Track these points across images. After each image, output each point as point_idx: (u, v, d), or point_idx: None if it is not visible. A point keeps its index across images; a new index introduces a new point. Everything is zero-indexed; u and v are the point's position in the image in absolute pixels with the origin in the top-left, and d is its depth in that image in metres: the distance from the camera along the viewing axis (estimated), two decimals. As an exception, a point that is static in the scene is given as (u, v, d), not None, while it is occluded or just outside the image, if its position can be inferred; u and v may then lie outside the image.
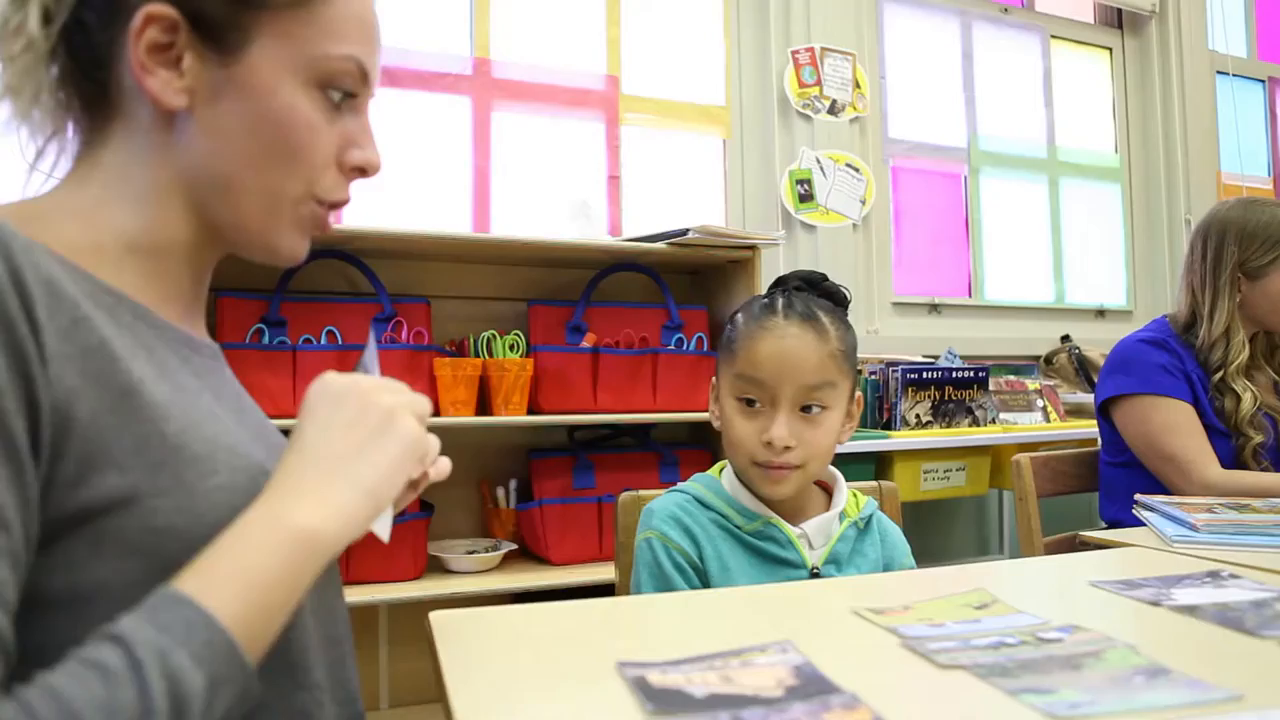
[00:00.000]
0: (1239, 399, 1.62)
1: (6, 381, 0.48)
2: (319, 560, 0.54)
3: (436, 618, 0.80)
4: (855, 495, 1.12)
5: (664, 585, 1.00)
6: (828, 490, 1.12)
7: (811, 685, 0.62)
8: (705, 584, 1.01)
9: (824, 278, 1.10)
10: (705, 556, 1.02)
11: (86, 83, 0.62)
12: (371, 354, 0.71)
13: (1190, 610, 0.82)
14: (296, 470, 0.57)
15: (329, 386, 0.61)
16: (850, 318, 1.08)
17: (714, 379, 1.09)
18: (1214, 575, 0.96)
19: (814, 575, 1.03)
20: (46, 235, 0.57)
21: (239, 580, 0.50)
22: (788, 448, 0.99)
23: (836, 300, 1.09)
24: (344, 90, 0.66)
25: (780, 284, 1.10)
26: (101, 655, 0.44)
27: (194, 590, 0.48)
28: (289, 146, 0.63)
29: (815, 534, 1.05)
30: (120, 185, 0.63)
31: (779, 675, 0.64)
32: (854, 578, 1.04)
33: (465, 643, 0.76)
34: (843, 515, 1.08)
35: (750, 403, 1.01)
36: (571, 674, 0.67)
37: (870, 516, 1.11)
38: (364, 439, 0.59)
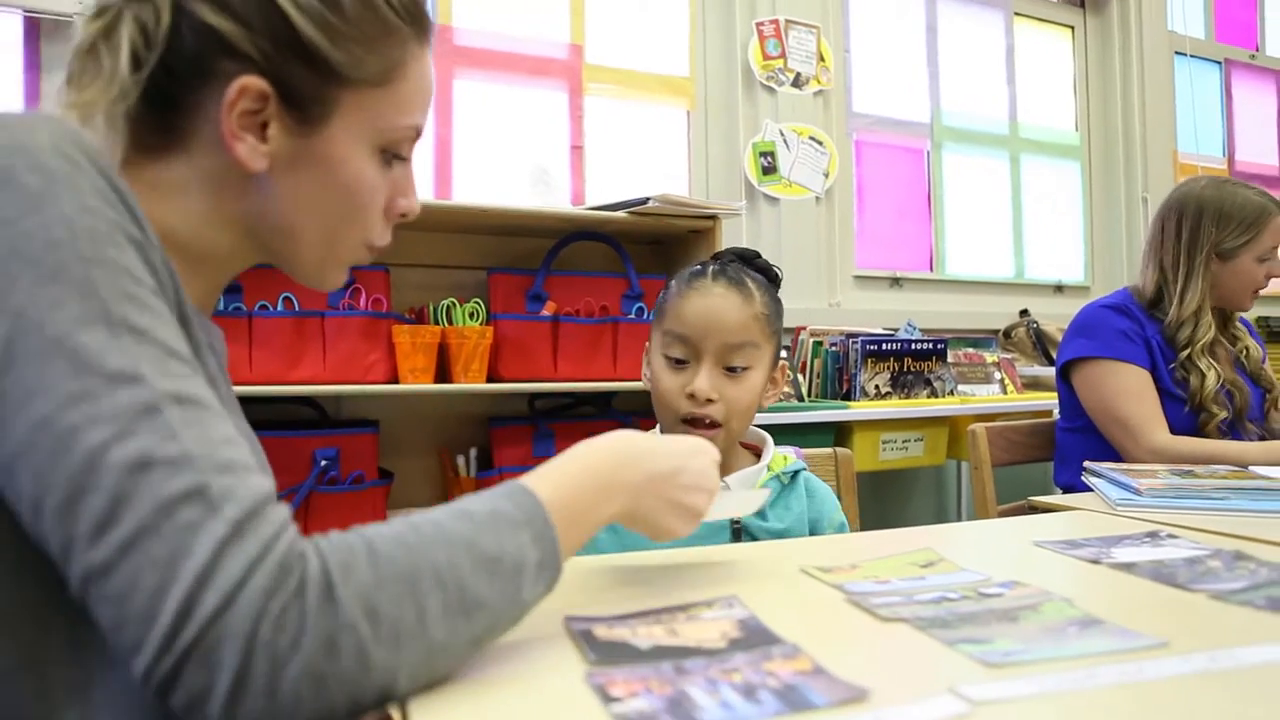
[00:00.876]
0: (1203, 376, 1.65)
1: (146, 275, 0.54)
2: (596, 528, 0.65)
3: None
4: (784, 457, 1.16)
5: None
6: (757, 454, 1.15)
7: (755, 637, 0.63)
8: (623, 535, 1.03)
9: (757, 255, 1.15)
10: None
11: (152, 116, 0.64)
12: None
13: (1127, 567, 0.84)
14: (647, 470, 0.69)
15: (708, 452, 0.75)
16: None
17: (646, 343, 1.14)
18: (1153, 535, 0.99)
19: (735, 525, 1.06)
20: None
21: (568, 490, 0.62)
22: (710, 400, 1.03)
23: (768, 276, 1.14)
24: (401, 154, 0.71)
25: (716, 258, 1.15)
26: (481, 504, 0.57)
27: (536, 487, 0.60)
28: (354, 209, 0.68)
29: (738, 487, 1.09)
30: (176, 197, 0.66)
31: (723, 628, 0.65)
32: (805, 540, 1.05)
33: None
34: (769, 471, 1.12)
35: (679, 362, 1.06)
36: (517, 629, 0.68)
37: (796, 473, 1.14)
38: (677, 505, 0.71)
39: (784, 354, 2.40)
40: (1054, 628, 0.64)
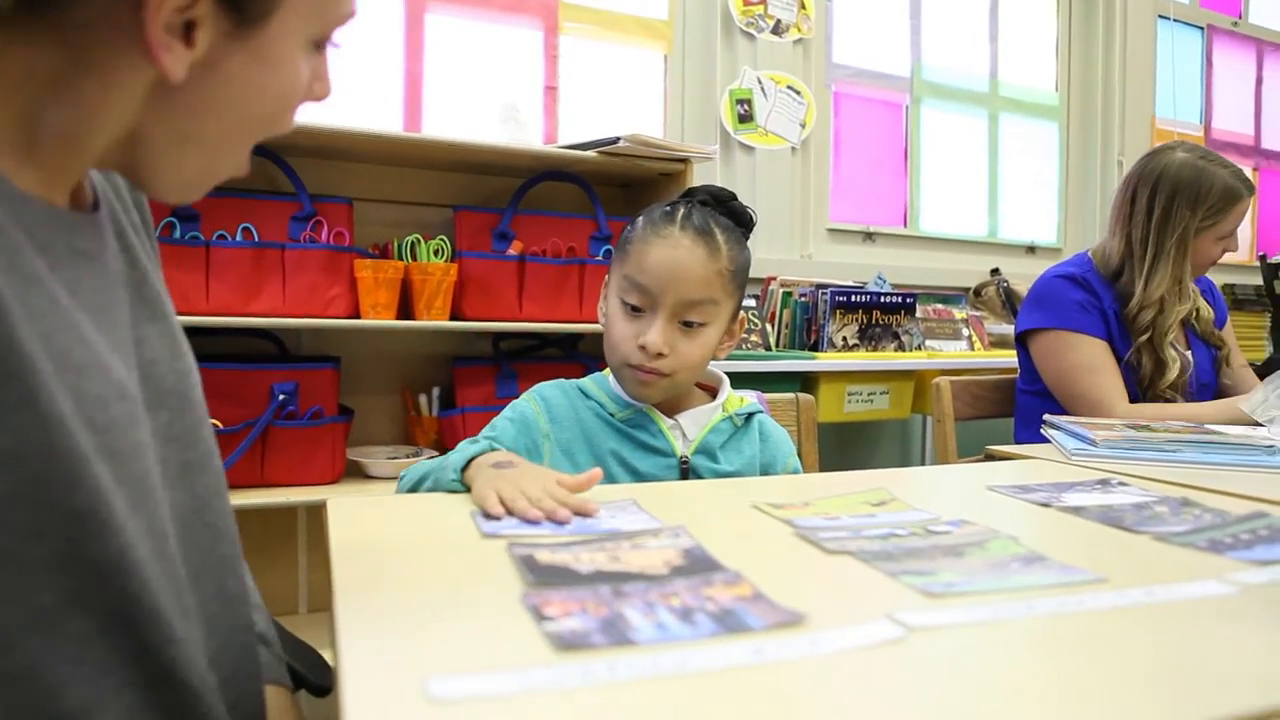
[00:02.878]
0: (1165, 366, 1.63)
1: None
2: None
3: (334, 504, 0.80)
4: (740, 399, 1.14)
5: (521, 431, 1.05)
6: (713, 393, 1.14)
7: (698, 565, 0.62)
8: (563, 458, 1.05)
9: (733, 196, 1.10)
10: (570, 439, 1.05)
11: None
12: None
13: (1076, 510, 0.84)
14: None
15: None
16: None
17: (606, 277, 1.11)
18: (1104, 483, 0.99)
19: (684, 464, 1.05)
20: None
21: None
22: (660, 355, 1.01)
23: (740, 221, 1.09)
24: (332, 41, 0.60)
25: (688, 195, 1.10)
26: None
27: None
28: (274, 114, 0.57)
29: (689, 425, 1.07)
30: (30, 89, 0.51)
31: (667, 556, 0.64)
32: (761, 479, 1.05)
33: (359, 526, 0.75)
34: (723, 412, 1.10)
35: (634, 309, 1.03)
36: (460, 555, 0.67)
37: (751, 415, 1.12)
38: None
39: (749, 305, 2.39)
40: (998, 563, 0.65)
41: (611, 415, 1.06)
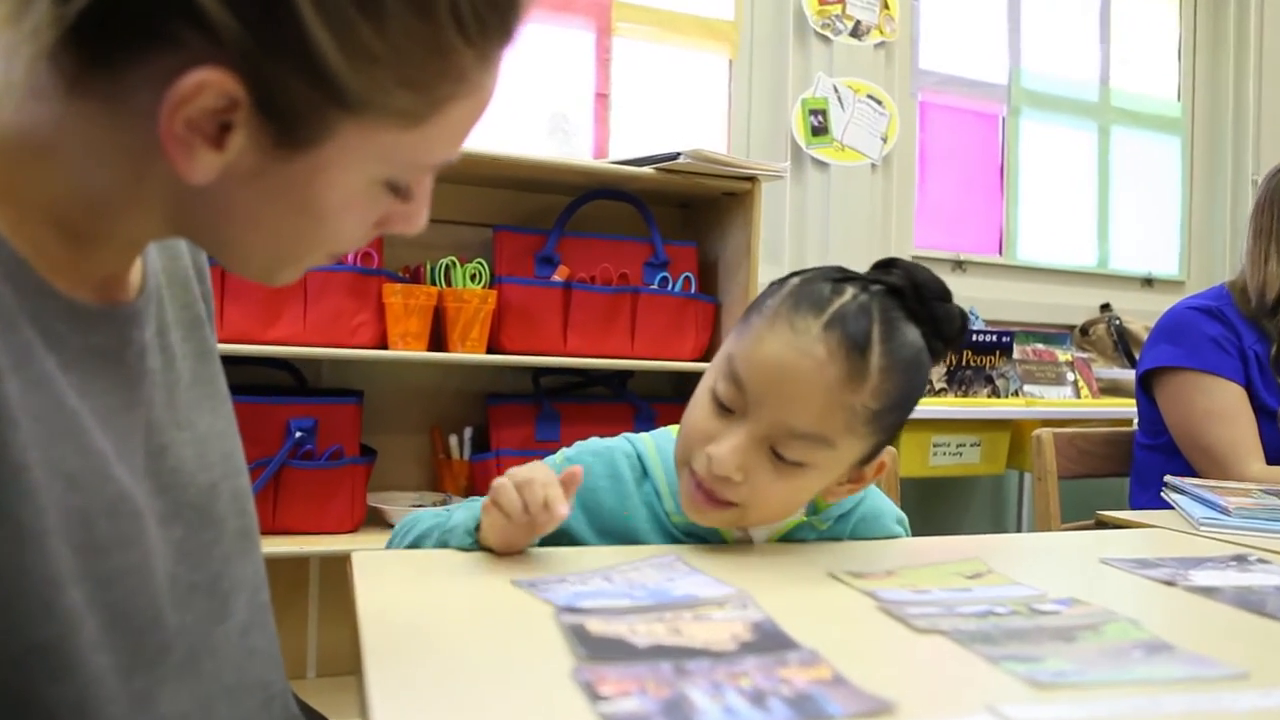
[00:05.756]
0: None
1: None
2: None
3: (359, 557, 0.81)
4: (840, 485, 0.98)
5: None
6: None
7: (769, 641, 0.62)
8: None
9: (944, 291, 0.89)
10: (600, 517, 0.96)
11: (77, 65, 0.51)
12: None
13: (1207, 591, 0.83)
14: None
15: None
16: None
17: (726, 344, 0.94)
18: (1240, 559, 0.97)
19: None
20: None
21: None
22: (728, 479, 0.84)
23: (940, 331, 0.88)
24: (414, 188, 0.60)
25: (886, 267, 0.89)
26: None
27: None
28: (323, 238, 0.58)
29: (762, 536, 0.97)
30: (80, 162, 0.53)
31: (734, 630, 0.64)
32: (836, 542, 1.04)
33: (388, 582, 0.76)
34: (813, 505, 0.97)
35: (724, 407, 0.86)
36: (503, 619, 0.68)
37: (852, 509, 1.00)
38: None
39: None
40: (1116, 650, 0.63)
41: (666, 514, 0.95)
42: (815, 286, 0.86)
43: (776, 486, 0.86)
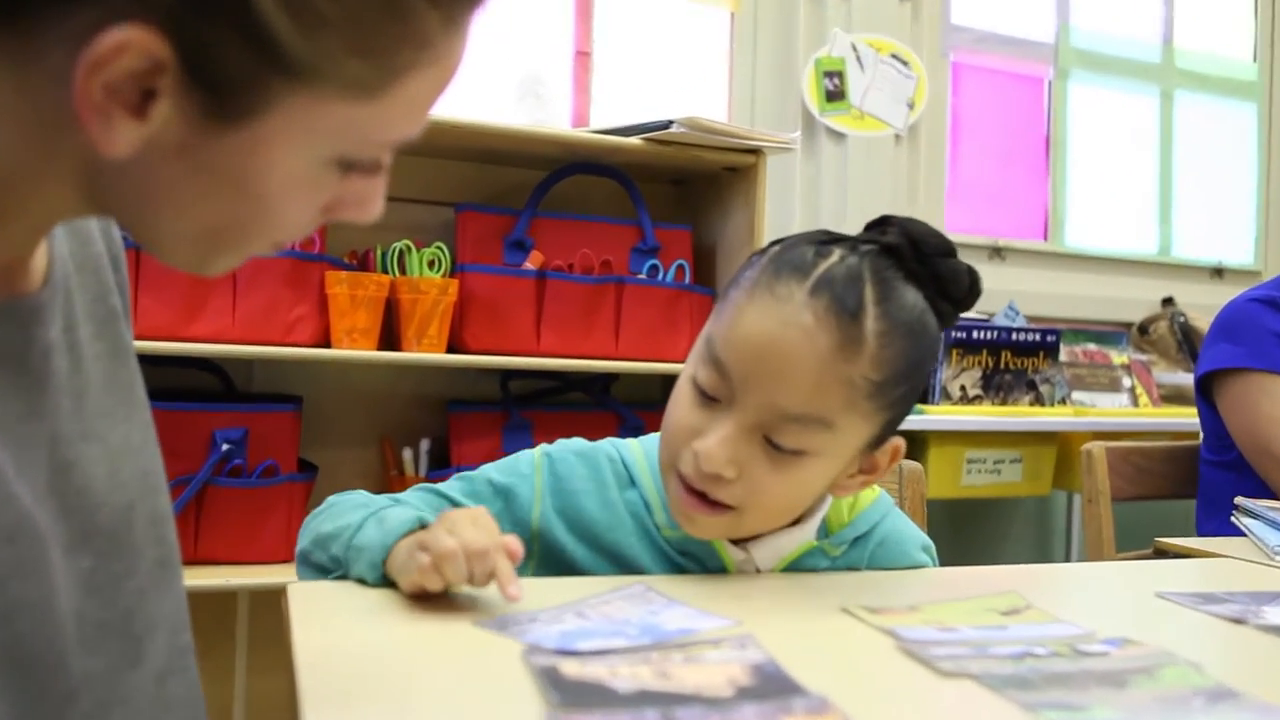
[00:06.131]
0: None
1: None
2: None
3: (296, 590, 0.81)
4: (855, 503, 1.02)
5: (505, 509, 0.95)
6: None
7: (771, 686, 0.63)
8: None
9: (947, 247, 0.88)
10: (575, 527, 0.96)
11: None
12: None
13: (1280, 630, 0.83)
14: None
15: None
16: None
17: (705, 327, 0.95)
18: (1319, 593, 0.98)
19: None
20: None
21: None
22: (720, 476, 0.84)
23: (947, 291, 0.88)
24: (370, 166, 0.61)
25: (879, 225, 0.89)
26: None
27: None
28: (259, 224, 0.59)
29: (766, 556, 0.95)
30: None
31: (731, 674, 0.65)
32: (850, 573, 1.04)
33: (331, 619, 0.76)
34: (824, 527, 0.98)
35: (707, 396, 0.86)
36: (463, 661, 0.68)
37: (869, 531, 1.01)
38: None
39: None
40: (1173, 698, 0.64)
41: (656, 527, 0.95)
42: (798, 250, 0.87)
43: (775, 482, 0.86)
